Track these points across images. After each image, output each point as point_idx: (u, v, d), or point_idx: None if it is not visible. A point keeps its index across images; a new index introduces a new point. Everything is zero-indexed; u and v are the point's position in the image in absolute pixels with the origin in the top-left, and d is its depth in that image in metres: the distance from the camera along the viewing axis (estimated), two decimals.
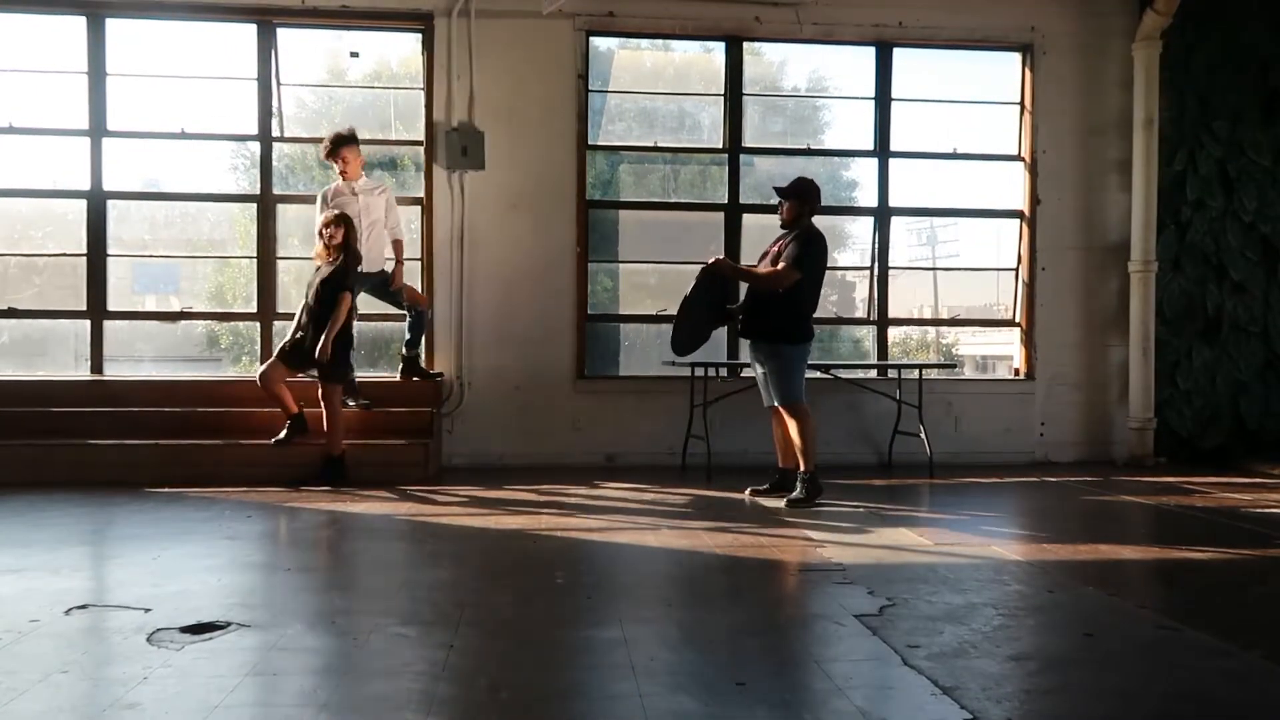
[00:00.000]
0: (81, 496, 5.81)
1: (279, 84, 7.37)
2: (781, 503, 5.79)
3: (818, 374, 7.32)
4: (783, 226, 6.00)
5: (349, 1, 7.26)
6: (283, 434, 6.40)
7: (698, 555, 4.59)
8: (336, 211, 6.43)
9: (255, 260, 7.35)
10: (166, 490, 6.06)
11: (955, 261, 10.11)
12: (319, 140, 6.77)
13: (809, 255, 5.76)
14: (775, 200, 6.03)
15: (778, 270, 5.77)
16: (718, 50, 7.76)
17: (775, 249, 5.93)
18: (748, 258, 7.75)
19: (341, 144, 6.68)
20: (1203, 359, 7.88)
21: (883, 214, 7.90)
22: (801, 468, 5.81)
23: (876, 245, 7.90)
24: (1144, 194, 7.61)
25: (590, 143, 7.59)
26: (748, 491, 6.12)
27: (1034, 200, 7.86)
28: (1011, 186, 8.03)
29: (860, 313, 8.13)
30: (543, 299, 7.42)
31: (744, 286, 6.23)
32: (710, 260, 6.00)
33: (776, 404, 5.87)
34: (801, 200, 5.91)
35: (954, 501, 6.25)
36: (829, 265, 6.09)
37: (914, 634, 3.33)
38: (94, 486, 6.06)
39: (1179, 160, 7.80)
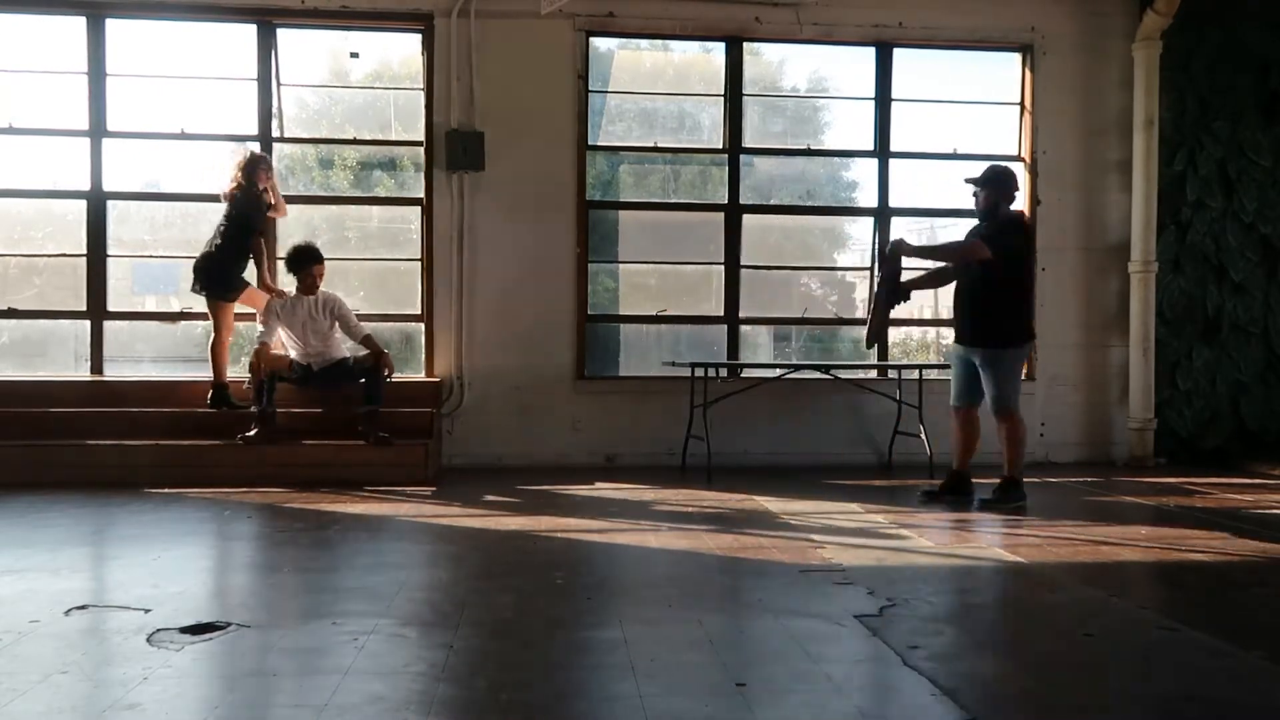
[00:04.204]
0: (81, 496, 5.81)
1: (279, 84, 7.37)
2: (973, 506, 5.88)
3: (818, 374, 7.34)
4: (979, 218, 5.92)
5: (349, 2, 7.26)
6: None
7: (698, 556, 4.59)
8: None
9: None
10: (166, 490, 6.06)
11: None
12: (319, 141, 6.73)
13: (1000, 238, 5.65)
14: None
15: (965, 243, 5.74)
16: (718, 50, 7.76)
17: None
18: (747, 258, 7.76)
19: (312, 262, 6.75)
20: (1203, 359, 7.88)
21: (883, 214, 7.91)
22: (1006, 472, 5.85)
23: (877, 245, 7.90)
24: (1144, 194, 7.61)
25: (590, 143, 7.59)
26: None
27: (1034, 200, 7.85)
28: None
29: (860, 313, 8.12)
30: (543, 299, 7.42)
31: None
32: (888, 245, 5.93)
33: (992, 411, 5.84)
34: (994, 188, 5.81)
35: (954, 502, 6.23)
36: (1025, 256, 5.94)
37: (914, 635, 3.33)
38: (94, 486, 6.05)
39: (1179, 160, 7.80)
